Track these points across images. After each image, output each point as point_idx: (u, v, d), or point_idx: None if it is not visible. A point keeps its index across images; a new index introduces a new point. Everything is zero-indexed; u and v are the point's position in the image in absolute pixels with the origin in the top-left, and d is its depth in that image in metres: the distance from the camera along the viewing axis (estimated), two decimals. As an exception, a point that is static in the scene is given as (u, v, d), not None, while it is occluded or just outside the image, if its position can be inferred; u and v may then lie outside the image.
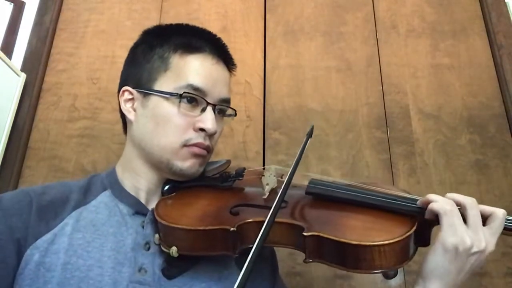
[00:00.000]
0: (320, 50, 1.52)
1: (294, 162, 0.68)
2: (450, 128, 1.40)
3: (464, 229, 0.59)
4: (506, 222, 0.62)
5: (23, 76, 1.44)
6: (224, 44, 0.80)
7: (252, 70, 1.48)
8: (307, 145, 0.74)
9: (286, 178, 0.64)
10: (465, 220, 0.61)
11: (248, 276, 0.47)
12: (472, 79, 1.47)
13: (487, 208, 0.62)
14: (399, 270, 1.20)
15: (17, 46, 1.53)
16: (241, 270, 0.73)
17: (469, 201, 0.62)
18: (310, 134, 0.77)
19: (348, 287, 1.22)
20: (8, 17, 1.55)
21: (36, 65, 1.48)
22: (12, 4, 1.57)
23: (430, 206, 0.62)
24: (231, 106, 0.80)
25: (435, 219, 0.62)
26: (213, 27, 1.53)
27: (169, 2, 1.60)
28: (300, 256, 1.22)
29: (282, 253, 1.18)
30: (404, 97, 1.45)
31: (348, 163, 1.36)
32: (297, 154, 0.70)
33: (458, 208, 0.61)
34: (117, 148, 1.37)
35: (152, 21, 1.56)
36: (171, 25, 0.80)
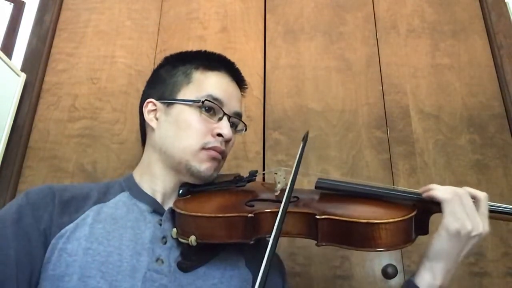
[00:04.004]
0: (320, 50, 1.52)
1: (294, 168, 0.74)
2: (450, 128, 1.40)
3: (464, 215, 0.67)
4: (490, 206, 0.70)
5: (23, 76, 1.44)
6: (238, 68, 0.91)
7: (252, 70, 1.48)
8: (304, 150, 0.81)
9: (290, 180, 0.71)
10: None
11: (269, 268, 0.53)
12: (472, 79, 1.47)
13: (472, 191, 0.70)
14: (399, 270, 1.20)
15: (17, 46, 1.53)
16: (251, 272, 0.76)
17: (461, 191, 0.69)
18: (305, 140, 0.84)
19: (348, 287, 1.22)
20: (8, 17, 1.56)
21: (36, 65, 1.48)
22: (12, 4, 1.58)
23: (433, 193, 0.69)
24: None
25: (435, 207, 0.70)
26: (213, 27, 1.53)
27: (169, 2, 1.60)
28: (300, 256, 1.24)
29: (282, 253, 1.18)
30: (404, 97, 1.45)
31: (348, 163, 1.36)
32: (296, 159, 0.76)
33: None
34: (117, 148, 1.37)
35: (152, 21, 1.56)
36: (191, 51, 0.91)
